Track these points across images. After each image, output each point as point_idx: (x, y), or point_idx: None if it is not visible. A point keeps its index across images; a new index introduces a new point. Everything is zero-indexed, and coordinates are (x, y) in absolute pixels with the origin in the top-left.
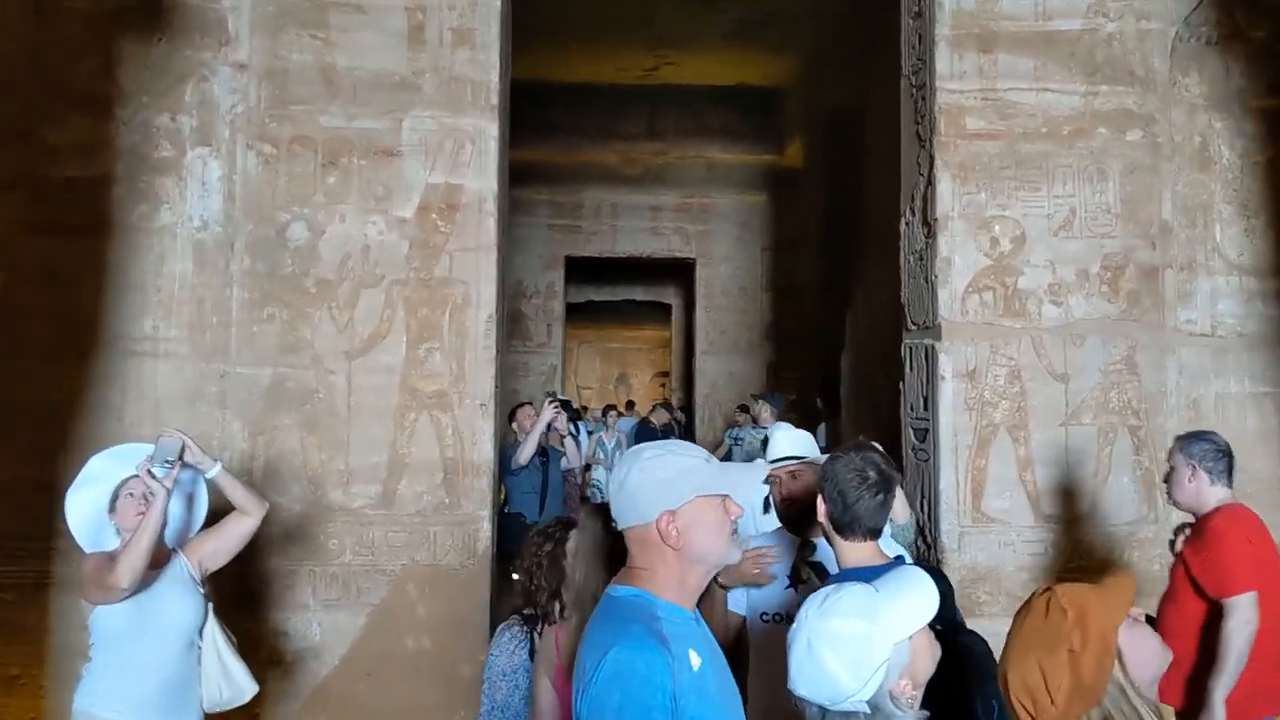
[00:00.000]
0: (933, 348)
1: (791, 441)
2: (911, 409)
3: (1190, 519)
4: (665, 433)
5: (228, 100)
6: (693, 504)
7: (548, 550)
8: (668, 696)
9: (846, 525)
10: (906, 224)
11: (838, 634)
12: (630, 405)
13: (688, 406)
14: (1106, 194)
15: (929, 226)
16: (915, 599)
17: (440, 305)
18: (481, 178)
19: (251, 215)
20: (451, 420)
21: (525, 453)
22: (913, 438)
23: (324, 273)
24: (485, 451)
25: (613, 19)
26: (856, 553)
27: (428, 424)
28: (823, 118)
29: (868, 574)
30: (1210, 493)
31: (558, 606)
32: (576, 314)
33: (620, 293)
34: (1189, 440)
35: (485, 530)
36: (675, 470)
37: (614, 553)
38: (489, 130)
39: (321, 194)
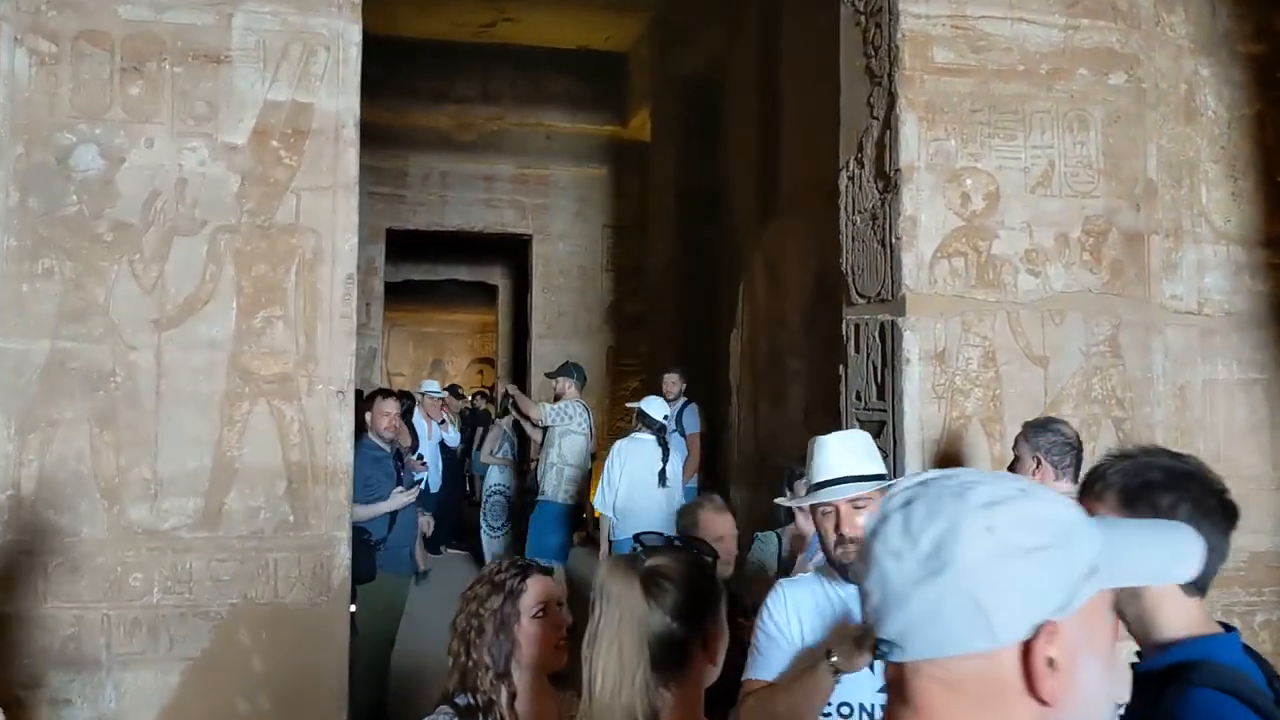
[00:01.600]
0: (893, 324)
1: (852, 451)
2: (859, 398)
3: None
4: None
5: None
6: (1086, 609)
7: (495, 607)
8: None
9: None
10: (850, 179)
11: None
12: (455, 391)
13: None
14: (1088, 145)
15: (887, 179)
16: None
17: (283, 261)
18: (339, 94)
19: (21, 135)
20: (298, 412)
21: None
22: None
23: (123, 214)
24: (342, 453)
25: None
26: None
27: (266, 417)
28: (674, 85)
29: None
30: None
31: (505, 694)
32: (391, 294)
33: (443, 272)
34: (1036, 429)
35: (343, 555)
36: (1055, 535)
37: (665, 643)
38: (349, 34)
39: (120, 109)
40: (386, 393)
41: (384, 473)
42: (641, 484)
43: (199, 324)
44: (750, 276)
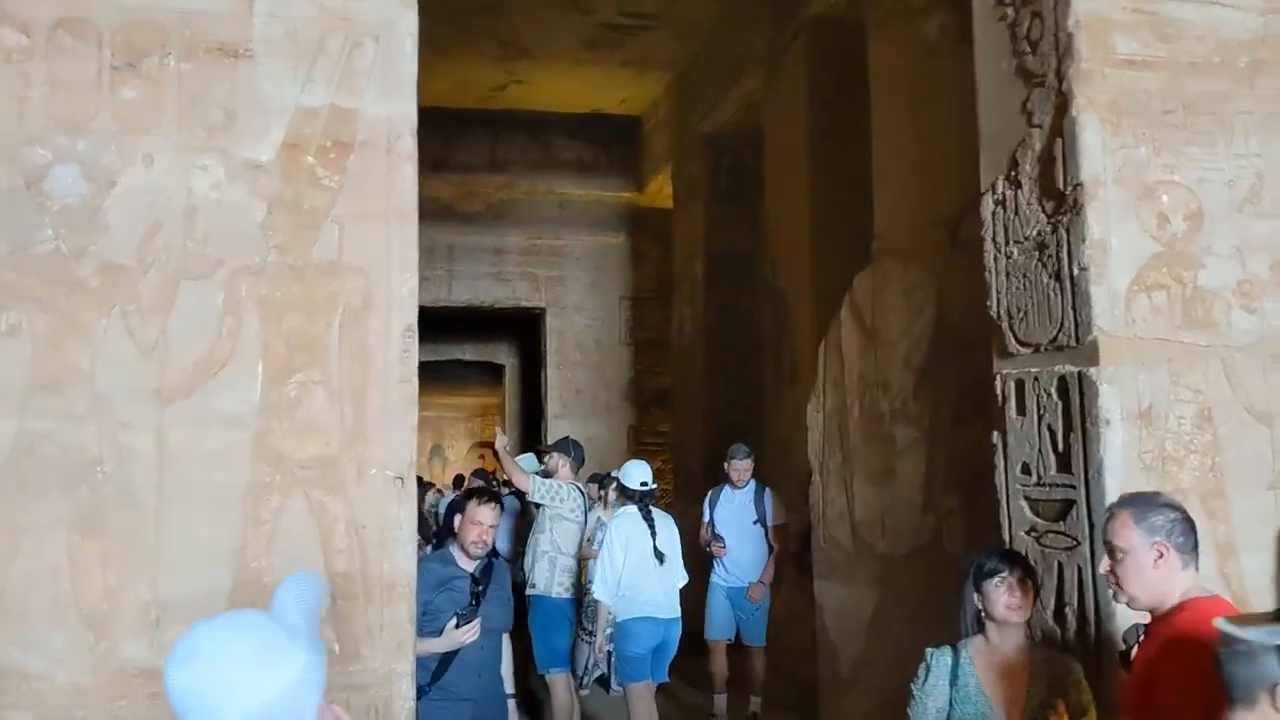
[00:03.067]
0: (1081, 377)
1: None
2: (1027, 472)
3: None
4: None
5: None
6: None
7: None
8: None
9: None
10: (999, 204)
11: None
12: (459, 481)
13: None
14: None
15: (1059, 198)
16: None
17: (323, 310)
18: (391, 97)
19: None
20: (344, 507)
21: None
22: (1029, 514)
23: (114, 253)
24: (402, 559)
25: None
26: None
27: (303, 515)
28: (699, 144)
29: None
30: (1179, 580)
31: None
32: None
33: (445, 351)
34: (1140, 508)
35: (405, 695)
36: None
37: None
38: (403, 22)
39: (111, 118)
40: (483, 494)
41: (452, 600)
42: (642, 564)
43: (213, 394)
44: (835, 337)
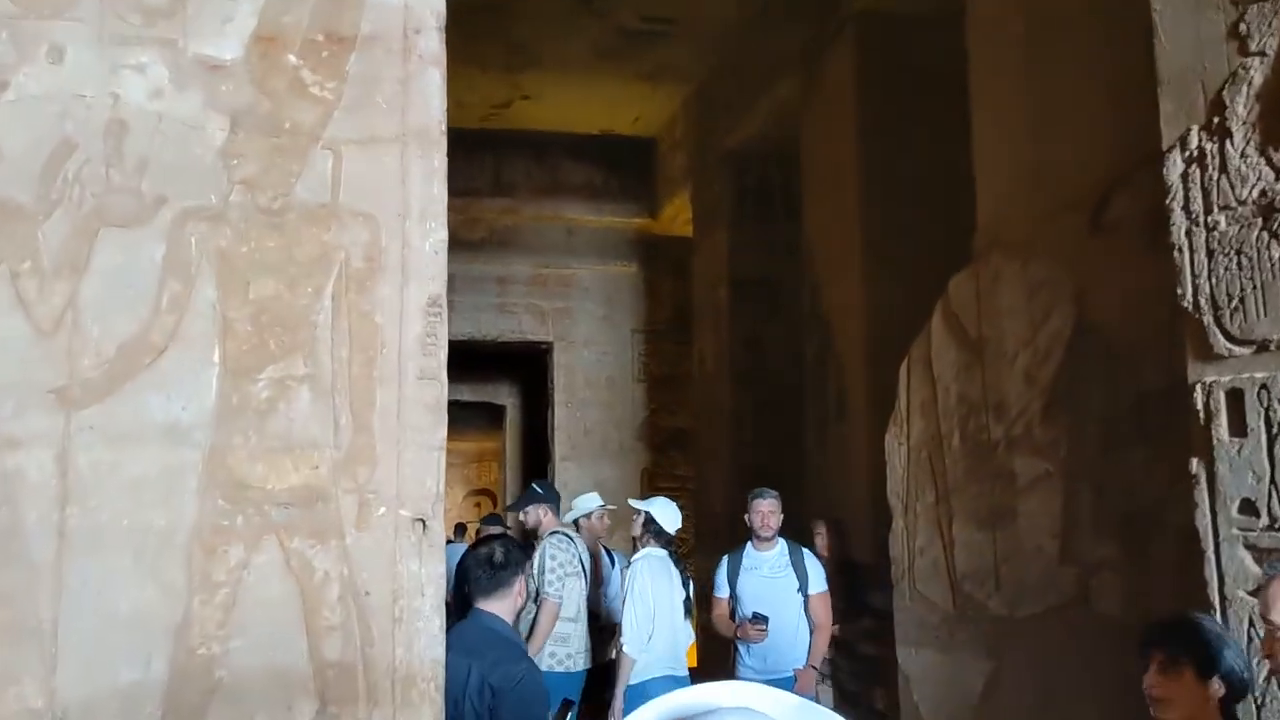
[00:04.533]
0: None
1: None
2: (1252, 511)
3: None
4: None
5: None
6: None
7: None
8: None
9: None
10: (1192, 161)
11: None
12: (460, 530)
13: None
14: None
15: None
16: None
17: (309, 273)
18: None
19: None
20: (338, 562)
21: None
22: (1254, 566)
23: (1, 187)
24: (427, 641)
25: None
26: None
27: (276, 570)
28: (722, 162)
29: None
30: None
31: None
32: None
33: None
34: None
35: None
36: None
37: None
38: None
39: None
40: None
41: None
42: (668, 614)
43: (145, 395)
44: (922, 354)
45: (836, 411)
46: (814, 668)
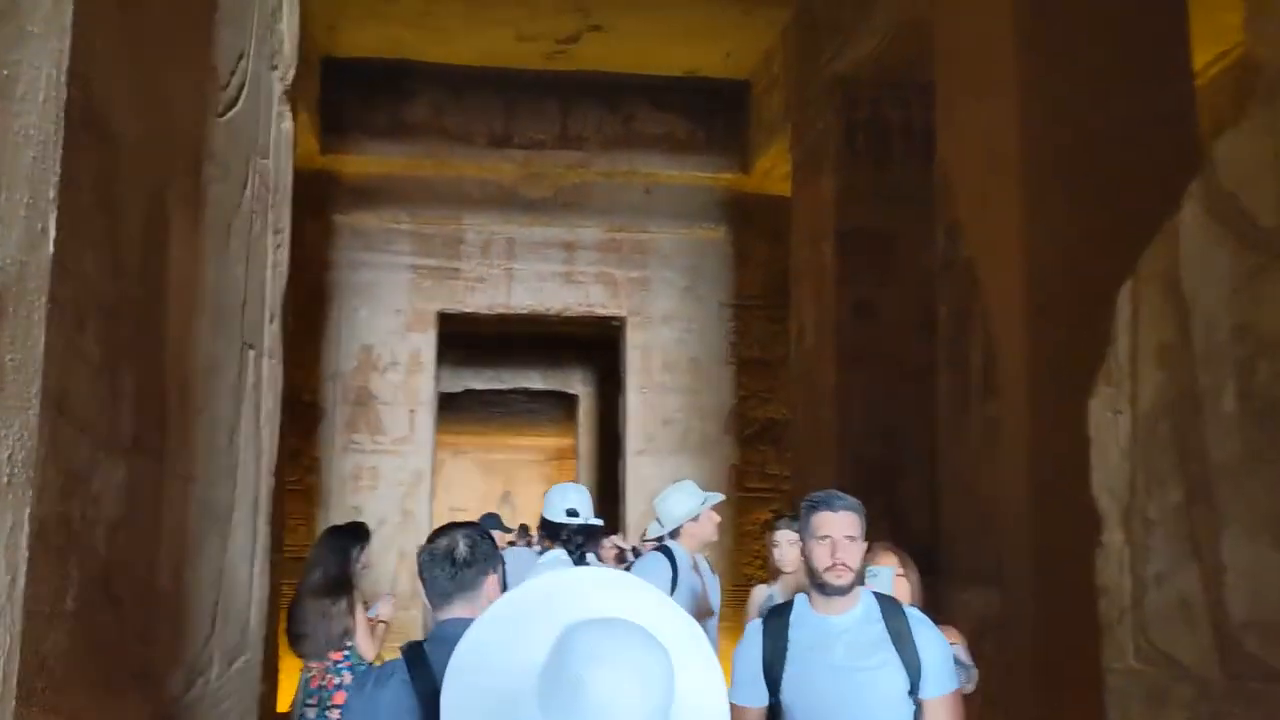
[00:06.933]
0: None
1: None
2: None
3: None
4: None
5: None
6: None
7: None
8: None
9: None
10: None
11: None
12: (524, 530)
13: (610, 528)
14: None
15: None
16: None
17: None
18: None
19: None
20: None
21: None
22: None
23: None
24: None
25: None
26: None
27: None
28: (832, 92)
29: None
30: None
31: None
32: (450, 408)
33: (509, 379)
34: None
35: None
36: None
37: None
38: None
39: None
40: None
41: None
42: None
43: None
44: (1158, 269)
45: (982, 387)
46: None
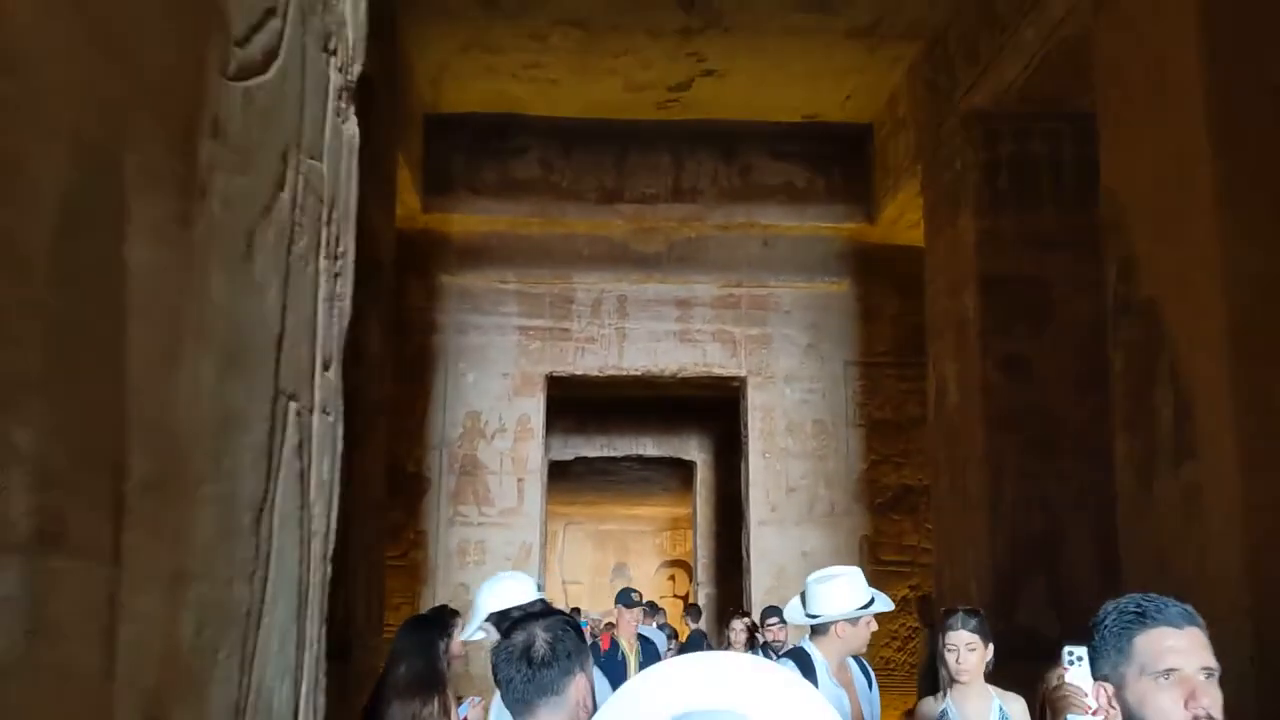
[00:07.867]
0: None
1: None
2: None
3: None
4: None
5: None
6: None
7: None
8: None
9: None
10: None
11: None
12: (652, 608)
13: (737, 607)
14: None
15: None
16: None
17: None
18: None
19: None
20: None
21: None
22: None
23: None
24: None
25: None
26: None
27: None
28: (969, 129)
29: None
30: None
31: None
32: (560, 477)
33: (619, 446)
34: None
35: None
36: None
37: None
38: None
39: None
40: None
41: None
42: None
43: None
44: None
45: (1174, 449)
46: None
